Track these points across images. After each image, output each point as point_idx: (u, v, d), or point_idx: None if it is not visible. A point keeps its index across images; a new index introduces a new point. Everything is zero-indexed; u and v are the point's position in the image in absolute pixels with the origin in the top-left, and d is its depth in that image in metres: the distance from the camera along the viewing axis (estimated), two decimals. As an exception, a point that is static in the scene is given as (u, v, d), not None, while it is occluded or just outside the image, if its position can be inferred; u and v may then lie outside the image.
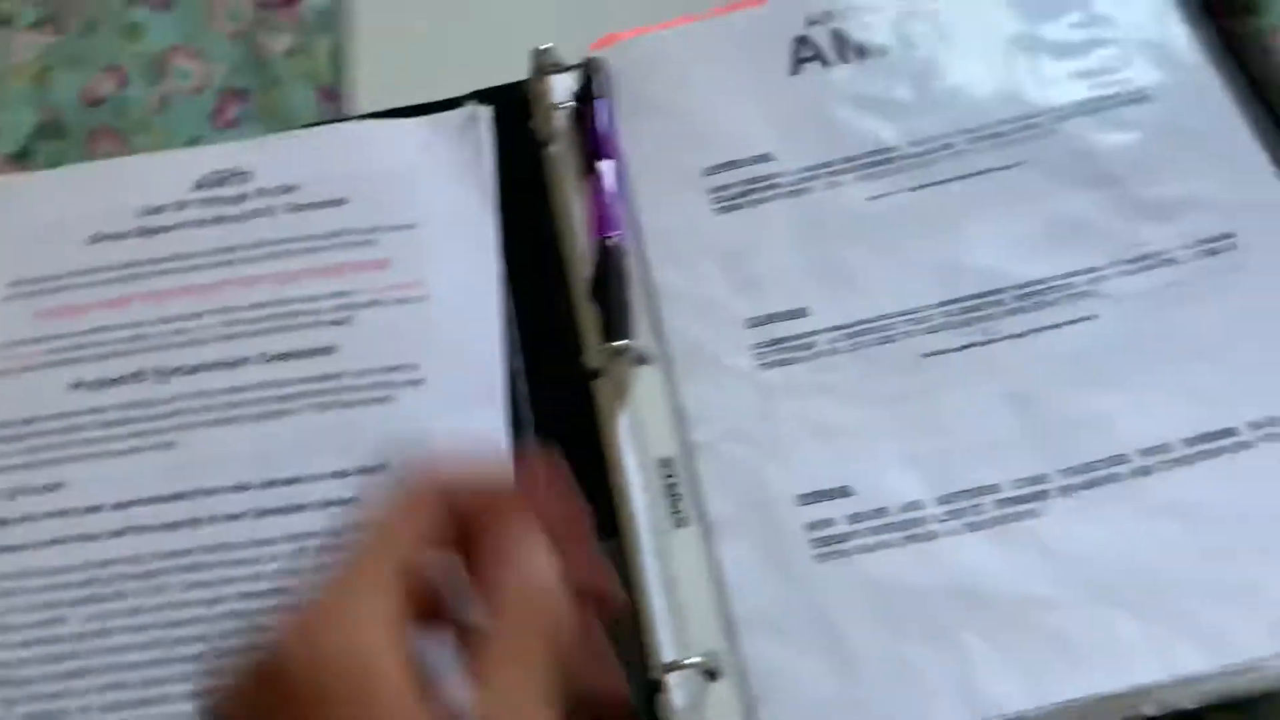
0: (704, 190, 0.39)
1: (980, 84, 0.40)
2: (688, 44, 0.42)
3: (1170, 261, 0.36)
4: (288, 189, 0.43)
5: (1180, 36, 0.40)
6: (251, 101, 0.48)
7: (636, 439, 0.36)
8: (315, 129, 0.46)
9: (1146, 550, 0.32)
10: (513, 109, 0.43)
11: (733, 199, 0.39)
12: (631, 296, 0.38)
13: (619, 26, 0.44)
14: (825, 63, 0.41)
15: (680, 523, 0.34)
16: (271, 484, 0.37)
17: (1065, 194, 0.37)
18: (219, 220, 0.43)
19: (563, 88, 0.43)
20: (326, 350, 0.39)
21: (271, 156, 0.44)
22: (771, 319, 0.37)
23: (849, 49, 0.41)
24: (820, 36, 0.41)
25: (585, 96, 0.41)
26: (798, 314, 0.37)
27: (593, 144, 0.40)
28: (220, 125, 0.48)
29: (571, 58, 0.43)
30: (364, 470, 0.37)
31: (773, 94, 0.41)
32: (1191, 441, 0.33)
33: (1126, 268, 0.36)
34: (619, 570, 0.34)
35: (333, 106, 0.48)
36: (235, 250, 0.42)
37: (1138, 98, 0.39)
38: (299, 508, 0.36)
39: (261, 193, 0.43)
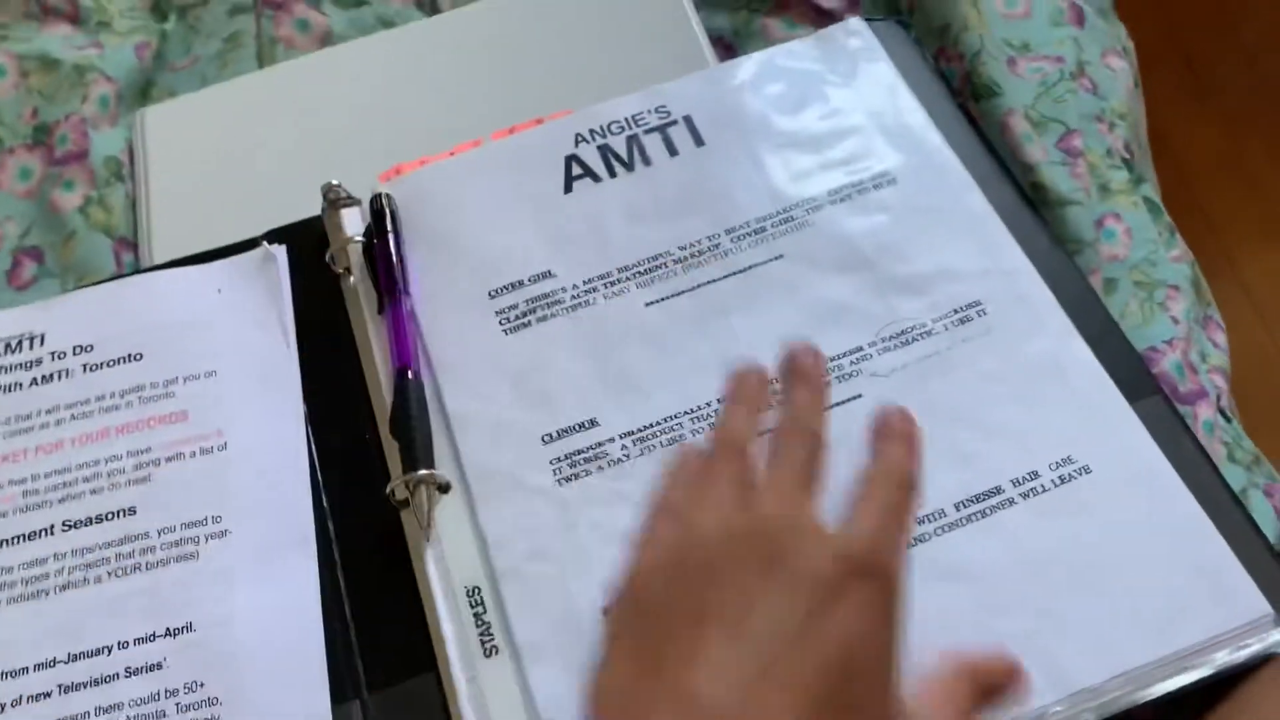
0: (491, 313, 0.40)
1: (739, 183, 0.42)
2: (467, 171, 0.43)
3: (927, 333, 0.38)
4: (82, 349, 0.43)
5: (918, 120, 0.43)
6: (48, 259, 0.48)
7: (443, 569, 0.36)
8: (109, 284, 0.45)
9: (933, 616, 0.33)
10: (310, 244, 0.43)
11: (519, 318, 0.40)
12: (430, 426, 0.38)
13: (408, 155, 0.45)
14: (596, 178, 0.43)
15: (490, 651, 0.34)
16: (78, 658, 0.35)
17: (825, 280, 0.39)
18: (13, 388, 0.42)
19: (356, 220, 0.43)
20: (128, 511, 0.38)
21: (64, 317, 0.43)
22: (565, 433, 0.37)
23: (616, 163, 0.43)
24: (589, 154, 0.43)
25: (376, 230, 0.42)
26: (589, 425, 0.37)
27: (385, 278, 0.41)
28: (17, 285, 0.47)
29: (365, 189, 0.44)
30: (171, 632, 0.36)
31: (549, 213, 0.42)
32: (962, 505, 0.35)
33: (887, 345, 0.38)
34: (437, 704, 0.34)
35: (131, 256, 0.48)
36: (31, 417, 0.41)
37: (883, 181, 0.42)
38: (109, 679, 0.35)
39: (55, 355, 0.43)
